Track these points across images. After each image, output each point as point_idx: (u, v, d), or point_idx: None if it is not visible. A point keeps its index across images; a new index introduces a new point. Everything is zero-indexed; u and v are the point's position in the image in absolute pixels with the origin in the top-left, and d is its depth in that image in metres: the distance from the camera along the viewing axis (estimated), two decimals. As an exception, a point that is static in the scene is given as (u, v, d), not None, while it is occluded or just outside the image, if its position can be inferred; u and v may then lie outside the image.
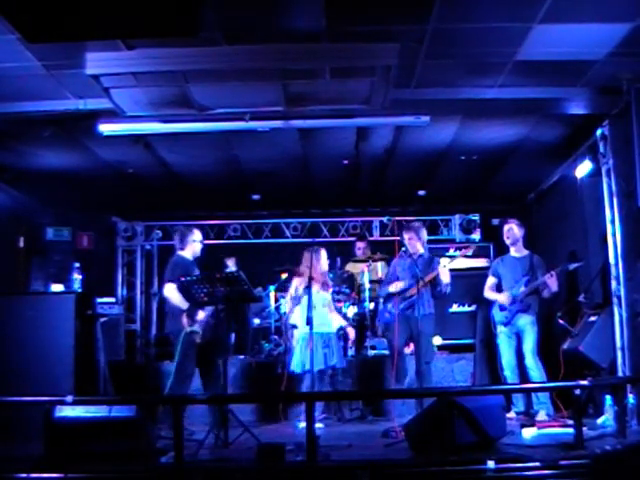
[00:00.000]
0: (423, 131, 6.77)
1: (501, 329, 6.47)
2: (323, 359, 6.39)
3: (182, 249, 6.24)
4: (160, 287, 9.48)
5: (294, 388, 6.60)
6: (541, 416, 6.01)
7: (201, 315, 5.96)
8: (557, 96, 6.03)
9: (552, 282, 6.20)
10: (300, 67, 5.26)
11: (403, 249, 6.57)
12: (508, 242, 6.60)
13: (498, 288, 6.61)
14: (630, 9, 4.62)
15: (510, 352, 6.41)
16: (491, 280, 6.69)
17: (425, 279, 6.21)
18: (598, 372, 6.06)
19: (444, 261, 6.43)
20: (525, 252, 6.57)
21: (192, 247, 6.24)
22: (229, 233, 10.16)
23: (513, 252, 6.60)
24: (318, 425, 6.06)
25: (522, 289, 6.36)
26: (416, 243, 6.45)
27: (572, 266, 6.29)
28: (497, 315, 6.52)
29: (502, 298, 6.46)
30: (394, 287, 6.44)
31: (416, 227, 6.57)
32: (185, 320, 5.90)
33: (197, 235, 6.31)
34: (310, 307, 5.97)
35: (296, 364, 6.46)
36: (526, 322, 6.33)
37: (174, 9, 3.70)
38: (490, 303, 6.67)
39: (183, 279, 5.91)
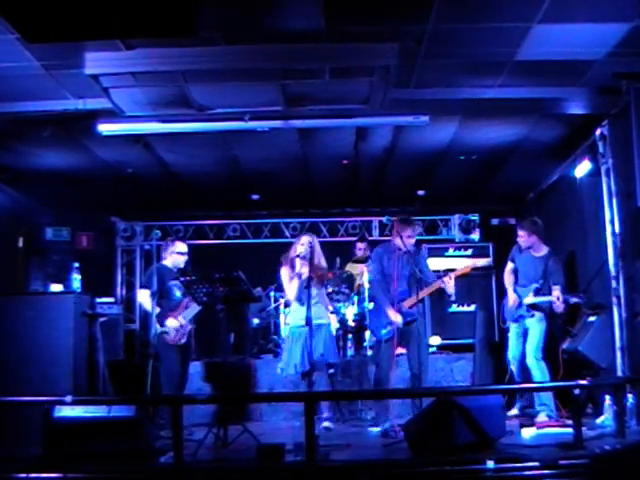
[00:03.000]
0: (422, 131, 6.77)
1: (511, 324, 6.43)
2: (309, 358, 5.78)
3: (164, 259, 6.54)
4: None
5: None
6: (541, 417, 5.97)
7: (171, 322, 6.19)
8: (556, 96, 6.03)
9: (557, 307, 6.04)
10: (299, 67, 5.26)
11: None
12: (524, 247, 6.45)
13: (516, 274, 6.48)
14: (630, 9, 4.62)
15: (517, 347, 6.35)
16: (510, 265, 6.54)
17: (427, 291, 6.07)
18: (597, 372, 6.06)
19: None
20: (543, 252, 6.38)
21: (172, 258, 6.51)
22: (228, 233, 10.16)
23: (531, 250, 6.45)
24: (326, 424, 5.90)
25: (530, 295, 6.22)
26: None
27: (572, 300, 6.20)
28: (507, 311, 6.45)
29: (510, 301, 6.38)
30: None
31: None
32: (157, 324, 6.20)
33: (179, 247, 6.55)
34: (309, 306, 5.66)
35: (285, 364, 6.09)
36: (533, 319, 6.24)
37: (173, 9, 3.70)
38: (504, 294, 6.59)
39: (182, 279, 5.94)
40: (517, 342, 6.39)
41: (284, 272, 6.26)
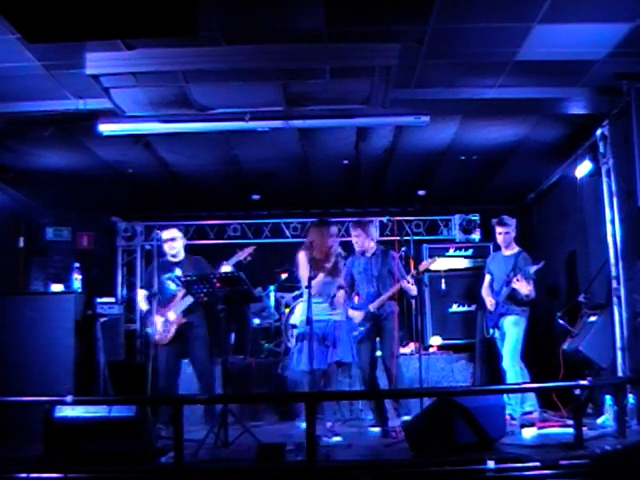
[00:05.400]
0: (423, 131, 6.76)
1: (495, 332, 6.49)
2: (323, 356, 5.70)
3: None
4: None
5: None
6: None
7: (157, 319, 6.11)
8: (557, 96, 6.03)
9: (520, 286, 6.12)
10: (300, 67, 5.26)
11: (403, 249, 6.55)
12: (503, 245, 6.56)
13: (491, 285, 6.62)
14: (630, 9, 4.62)
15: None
16: (487, 278, 6.71)
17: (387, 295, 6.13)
18: (598, 372, 6.06)
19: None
20: (515, 250, 6.51)
21: (165, 248, 6.42)
22: (229, 233, 10.15)
23: (504, 250, 6.58)
24: (336, 438, 5.58)
25: (504, 291, 6.34)
26: (364, 241, 6.22)
27: (532, 269, 6.14)
28: (488, 318, 6.54)
29: (488, 304, 6.49)
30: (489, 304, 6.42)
31: (365, 223, 6.32)
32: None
33: (163, 235, 6.45)
34: (310, 306, 5.52)
35: (296, 361, 5.83)
36: (509, 322, 6.30)
37: (174, 9, 3.70)
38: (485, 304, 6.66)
39: (183, 279, 5.93)
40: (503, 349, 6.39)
41: (304, 258, 5.88)
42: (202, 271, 6.08)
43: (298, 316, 6.14)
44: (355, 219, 6.70)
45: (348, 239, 9.73)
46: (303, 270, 5.86)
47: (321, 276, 5.77)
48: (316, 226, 6.13)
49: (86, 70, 5.09)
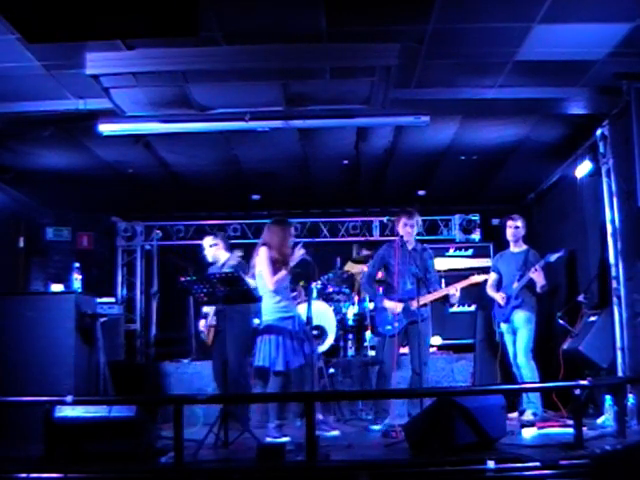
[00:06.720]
0: (423, 131, 6.77)
1: (502, 326, 6.53)
2: (301, 352, 5.61)
3: None
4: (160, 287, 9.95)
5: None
6: (527, 416, 6.06)
7: (202, 321, 6.53)
8: (557, 96, 6.03)
9: (538, 276, 6.20)
10: (300, 67, 5.26)
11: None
12: (512, 239, 6.59)
13: (500, 284, 6.63)
14: (630, 9, 4.62)
15: (512, 349, 6.45)
16: (492, 276, 6.71)
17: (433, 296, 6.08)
18: (598, 372, 6.06)
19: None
20: (523, 247, 6.58)
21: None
22: (229, 233, 10.11)
23: (512, 247, 6.63)
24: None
25: (515, 285, 6.38)
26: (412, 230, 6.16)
27: (553, 257, 6.26)
28: (497, 313, 6.57)
29: (498, 299, 6.50)
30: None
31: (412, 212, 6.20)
32: None
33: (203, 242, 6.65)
34: (310, 305, 5.61)
35: (270, 360, 5.63)
36: (520, 319, 6.34)
37: (174, 9, 3.70)
38: (492, 301, 6.67)
39: (183, 279, 5.92)
40: (511, 343, 6.46)
41: (267, 254, 5.64)
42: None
43: (268, 314, 5.76)
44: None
45: (343, 240, 9.88)
46: (265, 267, 5.62)
47: (283, 272, 5.61)
48: (277, 225, 5.84)
49: (86, 70, 5.08)
